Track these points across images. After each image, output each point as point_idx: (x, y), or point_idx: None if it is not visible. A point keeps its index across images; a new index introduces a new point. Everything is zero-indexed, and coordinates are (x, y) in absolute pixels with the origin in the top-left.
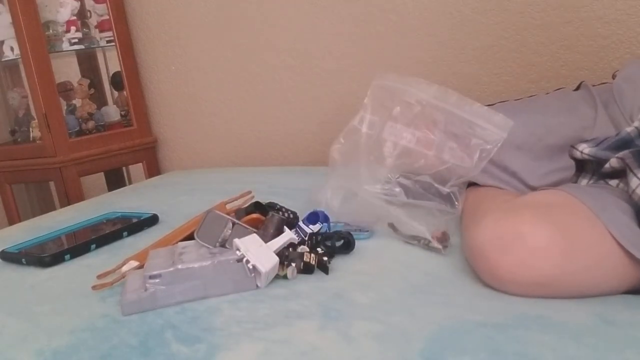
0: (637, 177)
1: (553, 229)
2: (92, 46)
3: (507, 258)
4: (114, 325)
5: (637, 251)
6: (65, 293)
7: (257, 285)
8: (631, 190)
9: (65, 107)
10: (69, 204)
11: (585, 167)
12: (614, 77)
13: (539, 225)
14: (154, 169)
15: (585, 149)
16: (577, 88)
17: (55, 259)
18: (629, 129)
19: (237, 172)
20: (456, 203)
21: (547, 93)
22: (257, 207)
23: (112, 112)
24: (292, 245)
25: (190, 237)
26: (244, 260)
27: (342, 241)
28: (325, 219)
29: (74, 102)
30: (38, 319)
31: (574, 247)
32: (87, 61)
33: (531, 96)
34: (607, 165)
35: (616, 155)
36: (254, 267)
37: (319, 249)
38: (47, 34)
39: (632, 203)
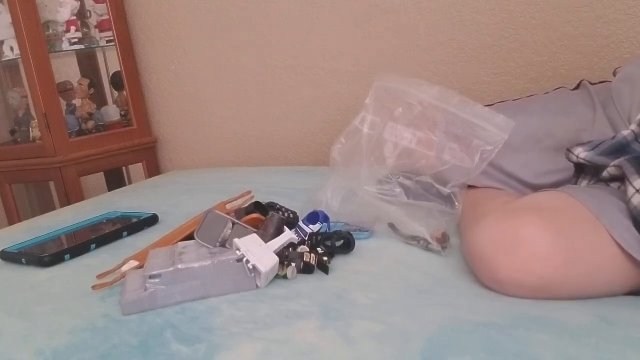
0: (633, 186)
1: (554, 232)
2: (92, 46)
3: (508, 261)
4: (114, 325)
5: (638, 254)
6: (65, 293)
7: (257, 285)
8: (628, 198)
9: (65, 107)
10: (69, 204)
11: (585, 169)
12: (614, 74)
13: (541, 228)
14: (154, 169)
15: (581, 154)
16: (577, 87)
17: (55, 259)
18: (625, 133)
19: (237, 172)
20: (457, 204)
21: (547, 93)
22: (257, 207)
23: (112, 112)
24: (292, 245)
25: (190, 237)
26: (244, 260)
27: (342, 241)
28: (325, 219)
29: (74, 102)
30: (38, 319)
31: (575, 251)
32: (87, 61)
33: (530, 96)
34: (605, 174)
35: (613, 164)
36: (254, 267)
37: (319, 249)
38: (47, 34)
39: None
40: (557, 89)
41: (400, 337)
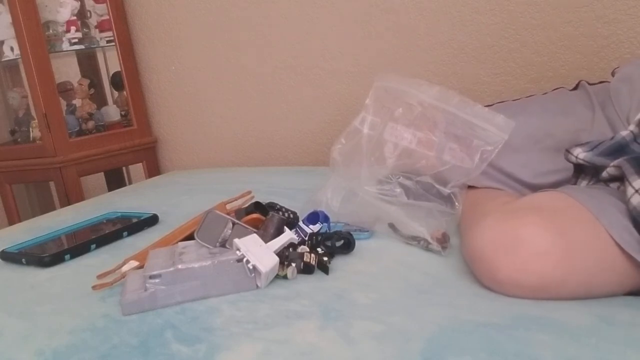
0: (632, 186)
1: (554, 232)
2: (92, 46)
3: (508, 262)
4: (114, 325)
5: (637, 254)
6: (65, 293)
7: (257, 285)
8: (627, 198)
9: (65, 107)
10: (69, 204)
11: (584, 170)
12: (613, 74)
13: (541, 228)
14: (154, 169)
15: (580, 154)
16: (575, 87)
17: (55, 259)
18: (624, 133)
19: (237, 172)
20: (456, 204)
21: (545, 93)
22: (257, 207)
23: (112, 112)
24: (292, 245)
25: (190, 237)
26: (244, 260)
27: (342, 241)
28: (325, 219)
29: (74, 102)
30: (38, 319)
31: (574, 251)
32: (87, 61)
33: (529, 96)
34: (604, 174)
35: (612, 164)
36: (254, 267)
37: (319, 249)
38: (47, 34)
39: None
40: (555, 89)
41: (400, 337)
